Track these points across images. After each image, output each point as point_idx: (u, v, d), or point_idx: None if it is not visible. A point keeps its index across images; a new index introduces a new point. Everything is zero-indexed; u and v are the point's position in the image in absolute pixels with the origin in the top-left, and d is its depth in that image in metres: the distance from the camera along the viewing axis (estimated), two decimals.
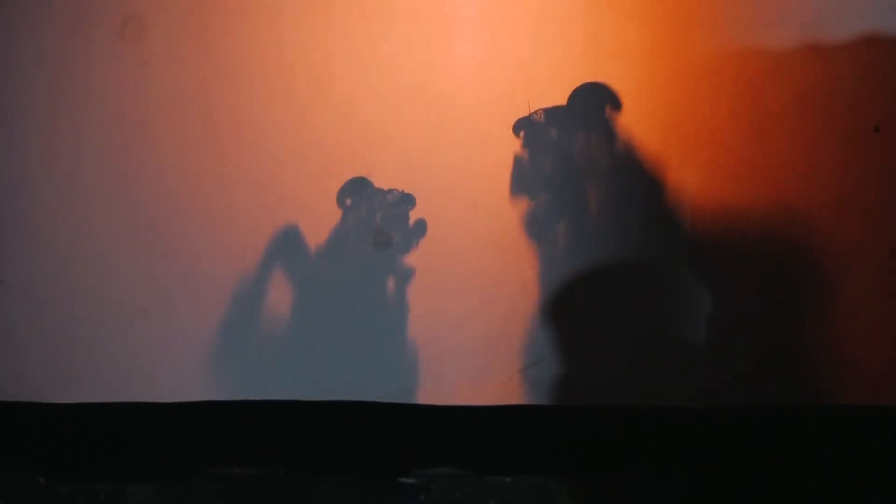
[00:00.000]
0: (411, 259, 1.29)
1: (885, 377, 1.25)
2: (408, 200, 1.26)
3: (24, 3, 1.32)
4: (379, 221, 1.25)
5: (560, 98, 1.28)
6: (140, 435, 1.34)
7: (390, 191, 1.26)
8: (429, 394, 1.29)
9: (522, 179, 1.27)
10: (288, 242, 1.30)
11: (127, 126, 1.31)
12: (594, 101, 1.27)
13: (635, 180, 1.27)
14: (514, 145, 1.28)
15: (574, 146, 1.27)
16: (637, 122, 1.27)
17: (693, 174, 1.27)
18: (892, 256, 1.25)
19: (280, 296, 1.30)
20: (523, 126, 1.26)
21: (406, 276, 1.29)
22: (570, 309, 1.28)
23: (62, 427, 1.34)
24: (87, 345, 1.31)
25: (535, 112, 1.26)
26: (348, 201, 1.27)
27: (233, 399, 1.30)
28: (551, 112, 1.27)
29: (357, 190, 1.27)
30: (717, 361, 1.27)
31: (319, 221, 1.29)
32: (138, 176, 1.31)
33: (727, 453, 1.29)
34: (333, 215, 1.29)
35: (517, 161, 1.27)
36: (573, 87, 1.28)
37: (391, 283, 1.29)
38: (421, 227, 1.27)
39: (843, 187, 1.26)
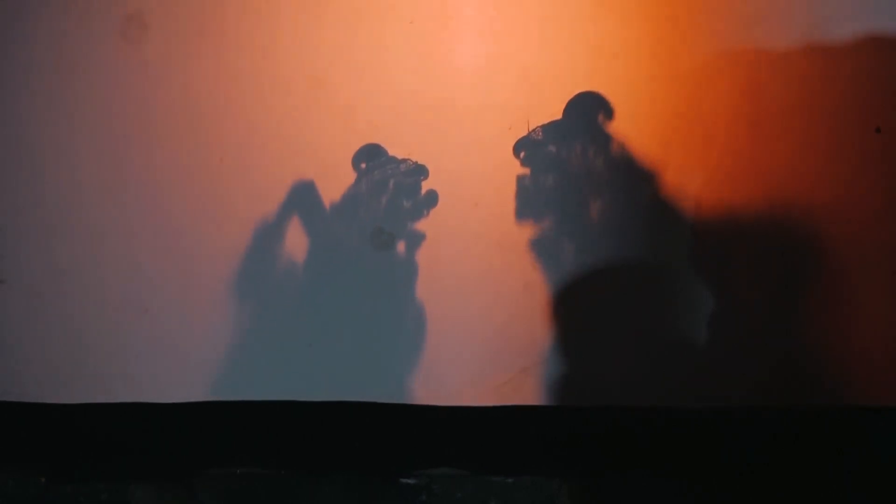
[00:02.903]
0: (421, 226, 1.28)
1: (888, 377, 1.25)
2: (420, 171, 1.26)
3: (25, 0, 1.32)
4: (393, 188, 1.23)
5: (560, 101, 1.28)
6: (141, 435, 1.34)
7: (403, 160, 1.25)
8: (430, 394, 1.29)
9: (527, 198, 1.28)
10: (289, 242, 1.30)
11: (129, 124, 1.31)
12: (589, 110, 1.27)
13: (636, 182, 1.27)
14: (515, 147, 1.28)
15: (574, 157, 1.27)
16: (637, 123, 1.27)
17: (694, 174, 1.27)
18: (894, 256, 1.26)
19: (281, 296, 1.30)
20: (524, 146, 1.27)
21: (409, 277, 1.29)
22: (572, 309, 1.28)
23: (63, 427, 1.34)
24: (87, 345, 1.31)
25: (534, 130, 1.26)
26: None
27: (235, 399, 1.30)
28: (549, 127, 1.28)
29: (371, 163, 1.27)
30: (719, 362, 1.27)
31: (320, 219, 1.30)
32: (140, 175, 1.31)
33: (729, 454, 1.29)
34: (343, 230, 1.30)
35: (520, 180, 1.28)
36: (575, 87, 1.28)
37: (393, 284, 1.29)
38: (432, 197, 1.26)
39: (844, 187, 1.26)
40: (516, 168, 1.28)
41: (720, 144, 1.27)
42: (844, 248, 1.26)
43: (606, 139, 1.27)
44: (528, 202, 1.28)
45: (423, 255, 1.29)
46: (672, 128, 1.27)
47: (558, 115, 1.28)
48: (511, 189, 1.28)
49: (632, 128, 1.27)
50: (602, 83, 1.28)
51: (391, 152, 1.29)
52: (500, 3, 1.29)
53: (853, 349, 1.25)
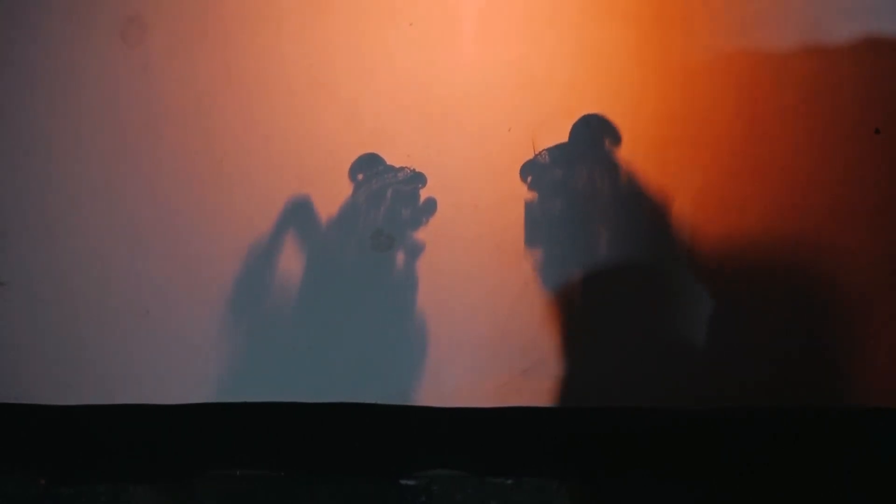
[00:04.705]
0: (422, 228, 1.28)
1: (888, 378, 1.25)
2: (419, 178, 1.26)
3: (24, 3, 1.32)
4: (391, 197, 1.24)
5: (560, 105, 1.28)
6: (141, 437, 1.34)
7: (401, 168, 1.26)
8: (430, 395, 1.29)
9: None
10: (288, 246, 1.30)
11: (129, 127, 1.31)
12: (594, 132, 1.28)
13: (636, 185, 1.27)
14: (515, 150, 1.29)
15: (575, 162, 1.28)
16: (637, 124, 1.27)
17: (693, 176, 1.27)
18: (893, 258, 1.26)
19: (281, 298, 1.30)
20: (530, 170, 1.28)
21: (409, 280, 1.29)
22: (571, 310, 1.28)
23: (63, 429, 1.34)
24: (88, 347, 1.31)
25: (541, 153, 1.27)
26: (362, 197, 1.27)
27: (234, 401, 1.30)
28: (555, 150, 1.28)
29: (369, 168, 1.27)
30: (719, 362, 1.27)
31: (319, 225, 1.30)
32: (140, 177, 1.31)
33: (729, 454, 1.29)
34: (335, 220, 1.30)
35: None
36: (575, 91, 1.28)
37: (394, 287, 1.30)
38: (431, 204, 1.27)
39: (843, 189, 1.26)
40: (515, 170, 1.29)
41: (719, 146, 1.27)
42: (843, 248, 1.26)
43: (608, 150, 1.28)
44: (533, 215, 1.29)
45: (423, 258, 1.30)
46: (671, 130, 1.27)
47: (557, 120, 1.28)
48: (510, 191, 1.29)
49: (632, 129, 1.27)
50: (601, 86, 1.28)
51: (389, 157, 1.29)
52: (500, 7, 1.30)
53: (853, 349, 1.25)
